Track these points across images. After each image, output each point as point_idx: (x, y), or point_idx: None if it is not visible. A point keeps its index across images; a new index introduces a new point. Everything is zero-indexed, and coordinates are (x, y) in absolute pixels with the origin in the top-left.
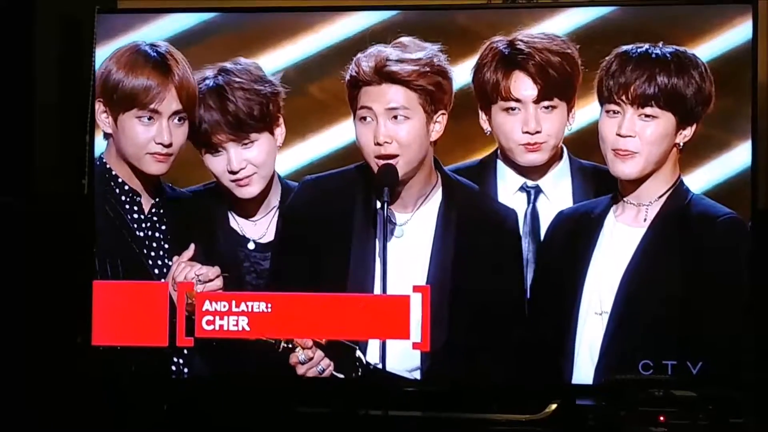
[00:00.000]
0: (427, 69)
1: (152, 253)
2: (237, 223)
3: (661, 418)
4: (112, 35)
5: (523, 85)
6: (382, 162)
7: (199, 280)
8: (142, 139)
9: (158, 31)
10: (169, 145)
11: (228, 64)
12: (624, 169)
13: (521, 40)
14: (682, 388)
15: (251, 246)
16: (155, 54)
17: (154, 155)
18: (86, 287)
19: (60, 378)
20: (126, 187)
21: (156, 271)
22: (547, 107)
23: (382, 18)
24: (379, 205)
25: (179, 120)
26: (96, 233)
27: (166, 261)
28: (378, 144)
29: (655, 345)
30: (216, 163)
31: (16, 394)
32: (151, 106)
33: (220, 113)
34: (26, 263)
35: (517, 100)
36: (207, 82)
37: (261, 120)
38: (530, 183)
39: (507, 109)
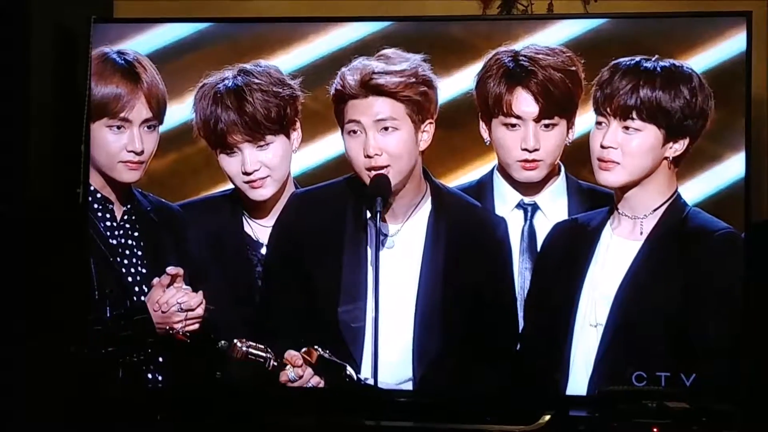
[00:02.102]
0: (413, 79)
1: (125, 261)
2: (251, 227)
3: (655, 430)
4: (108, 44)
5: (525, 103)
6: (373, 173)
7: (181, 308)
8: (114, 148)
9: (153, 40)
10: (141, 153)
11: (248, 66)
12: (607, 177)
13: (525, 55)
14: (675, 399)
15: (264, 251)
16: (123, 61)
17: (127, 163)
18: (80, 296)
19: (53, 387)
20: (98, 195)
21: (129, 278)
22: (547, 125)
23: (375, 29)
24: (370, 215)
25: (149, 127)
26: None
27: (139, 268)
28: (368, 156)
29: (649, 357)
30: (230, 164)
31: (11, 404)
32: (121, 115)
33: (238, 114)
34: (20, 272)
35: (518, 117)
36: (226, 82)
37: (278, 122)
38: (527, 200)
39: (507, 125)
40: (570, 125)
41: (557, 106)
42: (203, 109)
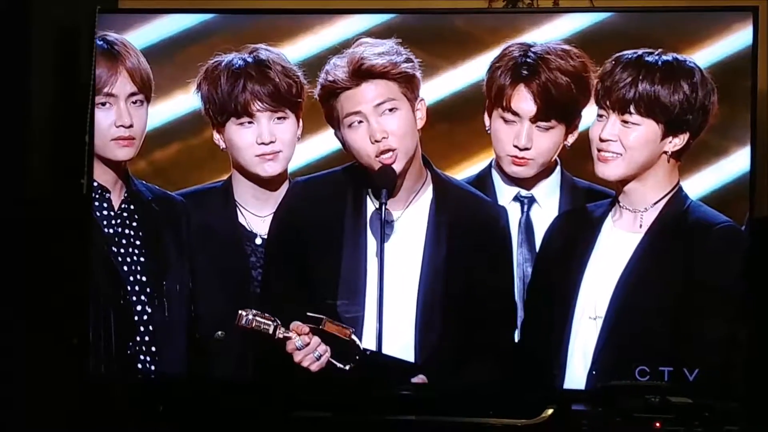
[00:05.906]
0: (398, 57)
1: (122, 250)
2: (245, 218)
3: (657, 425)
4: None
5: (523, 101)
6: (383, 158)
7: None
8: (104, 125)
9: (157, 31)
10: (131, 126)
11: (263, 45)
12: (605, 170)
13: (536, 53)
14: (678, 394)
15: (258, 241)
16: (102, 42)
17: (118, 140)
18: (82, 288)
19: (55, 380)
20: (95, 184)
21: (125, 267)
22: (543, 127)
23: (380, 21)
24: (377, 205)
25: (136, 102)
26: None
27: (135, 258)
28: (376, 141)
29: (652, 351)
30: (244, 136)
31: (14, 396)
32: (105, 90)
33: (260, 84)
34: (22, 265)
35: (515, 113)
36: (245, 57)
37: (296, 97)
38: (524, 192)
39: (504, 118)
40: (570, 130)
41: (557, 109)
42: (223, 80)
